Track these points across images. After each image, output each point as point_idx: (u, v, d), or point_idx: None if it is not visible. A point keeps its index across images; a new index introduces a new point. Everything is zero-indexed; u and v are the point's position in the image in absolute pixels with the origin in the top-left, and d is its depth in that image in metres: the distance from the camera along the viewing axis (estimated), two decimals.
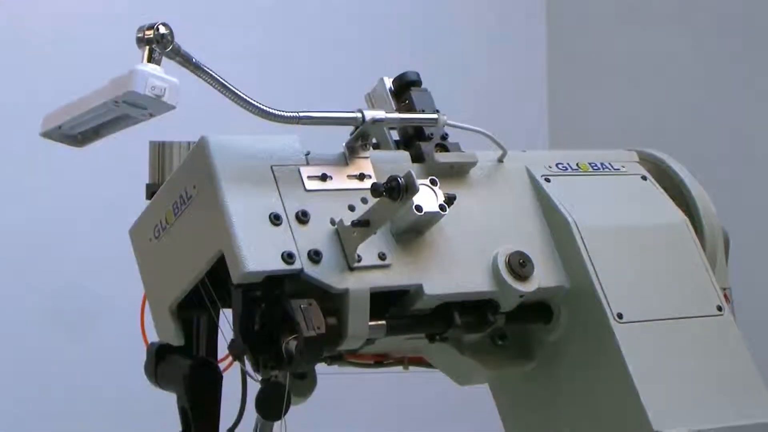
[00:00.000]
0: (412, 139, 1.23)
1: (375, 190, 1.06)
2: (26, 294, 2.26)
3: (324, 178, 1.13)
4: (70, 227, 2.31)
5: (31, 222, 2.26)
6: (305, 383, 1.23)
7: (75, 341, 2.28)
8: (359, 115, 1.15)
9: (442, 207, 1.09)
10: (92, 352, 2.31)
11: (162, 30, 1.05)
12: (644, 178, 1.34)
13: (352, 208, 1.11)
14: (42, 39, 2.30)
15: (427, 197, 1.08)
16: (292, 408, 1.18)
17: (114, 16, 2.25)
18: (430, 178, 1.11)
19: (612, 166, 1.33)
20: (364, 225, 1.07)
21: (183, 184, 1.12)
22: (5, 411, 2.21)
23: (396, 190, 1.03)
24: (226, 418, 1.20)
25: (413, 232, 1.13)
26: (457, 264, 1.15)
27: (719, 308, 1.22)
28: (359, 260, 1.08)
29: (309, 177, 1.12)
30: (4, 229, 2.24)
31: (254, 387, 1.11)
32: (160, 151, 1.25)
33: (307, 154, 1.14)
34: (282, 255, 1.04)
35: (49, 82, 2.21)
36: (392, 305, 1.12)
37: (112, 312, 2.24)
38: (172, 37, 1.05)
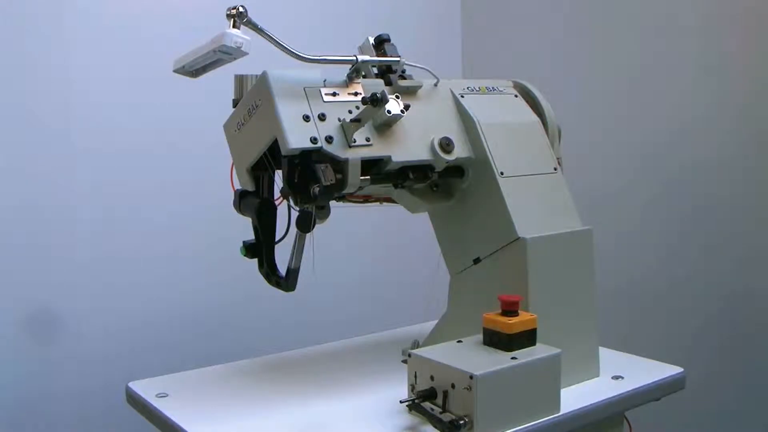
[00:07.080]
0: (385, 72, 1.42)
1: (364, 100, 1.26)
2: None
3: (334, 94, 1.30)
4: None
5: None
6: (324, 212, 1.35)
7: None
8: (355, 58, 1.35)
9: (402, 111, 1.30)
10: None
11: (240, 9, 1.25)
12: (516, 96, 1.54)
13: (350, 112, 1.29)
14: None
15: (394, 105, 1.30)
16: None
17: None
18: (395, 94, 1.32)
19: (498, 89, 1.52)
20: (357, 121, 1.27)
21: (253, 99, 1.29)
22: None
23: (376, 100, 1.23)
24: (278, 232, 1.38)
25: (386, 126, 1.32)
26: (410, 144, 1.33)
27: (555, 169, 1.45)
28: (354, 142, 1.27)
29: (325, 94, 1.29)
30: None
31: (293, 214, 1.32)
32: (240, 80, 1.38)
33: (325, 80, 1.31)
34: (310, 138, 1.23)
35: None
36: (373, 167, 1.31)
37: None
38: (246, 13, 1.26)
